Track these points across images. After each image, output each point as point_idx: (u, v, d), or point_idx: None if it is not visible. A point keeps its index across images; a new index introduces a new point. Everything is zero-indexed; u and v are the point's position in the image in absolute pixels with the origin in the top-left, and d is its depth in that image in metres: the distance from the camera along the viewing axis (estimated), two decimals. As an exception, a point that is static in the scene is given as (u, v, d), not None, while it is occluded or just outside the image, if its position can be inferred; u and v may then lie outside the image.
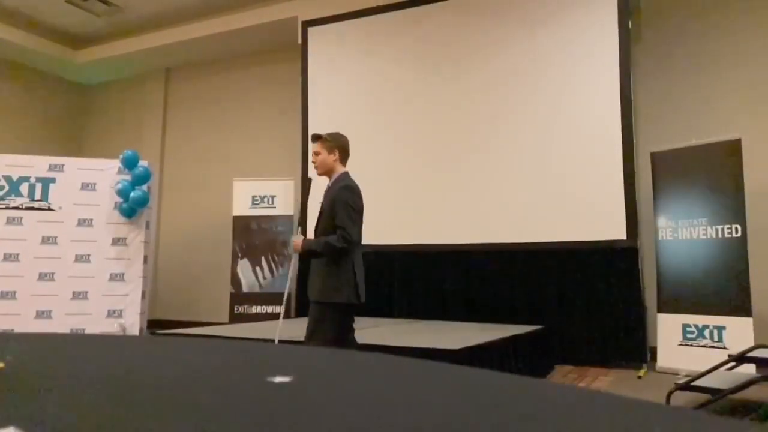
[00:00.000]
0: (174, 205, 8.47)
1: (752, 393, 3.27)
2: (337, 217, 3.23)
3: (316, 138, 3.41)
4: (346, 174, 3.44)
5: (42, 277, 5.89)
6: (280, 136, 7.67)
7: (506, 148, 5.92)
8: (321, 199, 3.41)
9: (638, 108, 5.71)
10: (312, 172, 3.56)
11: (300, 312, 6.61)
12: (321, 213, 3.32)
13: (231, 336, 4.06)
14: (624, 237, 5.30)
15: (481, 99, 6.10)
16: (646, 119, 5.76)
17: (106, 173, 6.20)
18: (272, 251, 6.82)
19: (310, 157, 3.46)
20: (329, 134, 3.41)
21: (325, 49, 7.00)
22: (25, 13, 7.76)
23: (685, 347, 4.77)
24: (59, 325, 5.77)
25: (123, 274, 6.09)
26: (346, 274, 3.23)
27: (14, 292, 5.82)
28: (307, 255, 3.32)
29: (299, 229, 3.54)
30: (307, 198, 3.64)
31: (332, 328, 3.14)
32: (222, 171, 7.97)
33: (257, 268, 6.79)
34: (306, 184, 3.74)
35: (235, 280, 6.76)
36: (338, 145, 3.40)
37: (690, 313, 4.78)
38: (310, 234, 3.38)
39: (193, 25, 7.84)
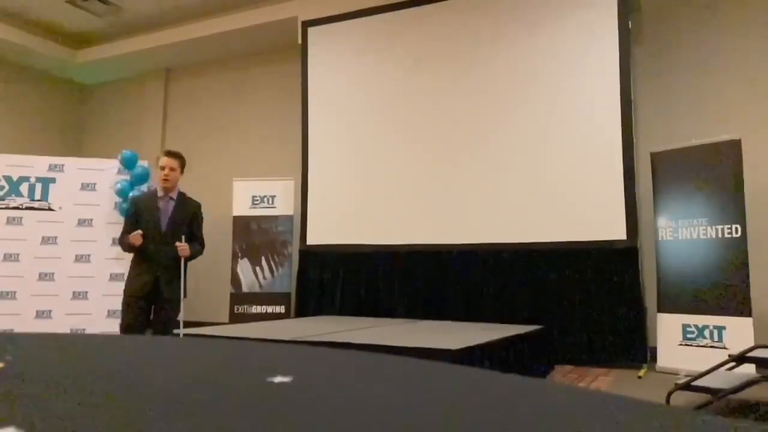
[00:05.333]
0: (174, 205, 8.46)
1: (752, 393, 3.27)
2: (199, 228, 4.09)
3: (177, 155, 4.01)
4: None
5: (42, 277, 5.90)
6: (280, 136, 7.67)
7: (506, 148, 5.93)
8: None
9: (638, 108, 5.71)
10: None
11: (299, 312, 6.61)
12: (174, 221, 3.94)
13: (231, 336, 4.06)
14: (624, 237, 5.30)
15: (481, 99, 6.10)
16: (646, 119, 5.76)
17: (106, 173, 6.21)
18: (272, 251, 6.82)
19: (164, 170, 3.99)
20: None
21: (325, 49, 7.00)
22: (25, 13, 7.76)
23: (685, 347, 4.77)
24: (59, 325, 5.77)
25: (123, 274, 6.08)
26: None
27: (14, 292, 5.82)
28: (188, 259, 4.01)
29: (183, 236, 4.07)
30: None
31: None
32: (222, 171, 7.96)
33: (257, 268, 6.79)
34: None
35: (235, 280, 6.76)
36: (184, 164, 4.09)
37: (690, 313, 4.79)
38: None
39: (193, 25, 7.84)
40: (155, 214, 3.90)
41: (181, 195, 4.05)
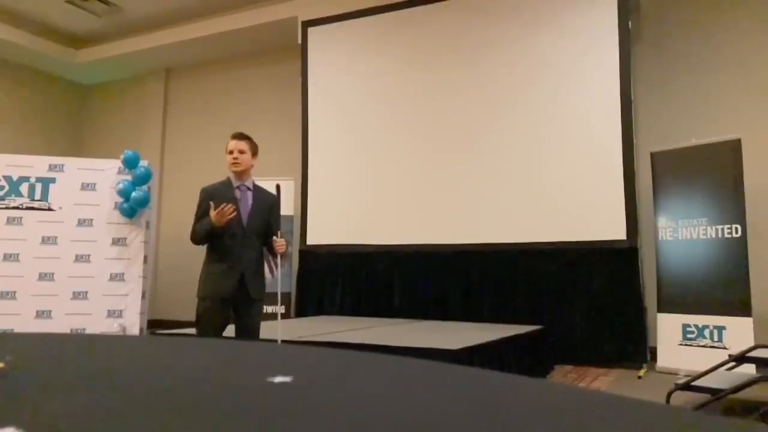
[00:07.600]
0: (174, 205, 8.47)
1: (752, 393, 3.27)
2: (277, 221, 3.54)
3: (245, 137, 3.54)
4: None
5: (42, 277, 5.89)
6: (280, 136, 7.66)
7: (506, 148, 5.93)
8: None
9: (638, 108, 5.71)
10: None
11: (299, 312, 6.61)
12: (255, 214, 3.46)
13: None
14: (624, 237, 5.30)
15: (482, 99, 6.10)
16: (646, 119, 5.76)
17: (106, 173, 6.20)
18: (272, 251, 6.81)
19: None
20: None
21: (325, 49, 7.00)
22: (25, 13, 7.76)
23: (685, 347, 4.77)
24: (59, 325, 5.76)
25: (123, 274, 6.09)
26: None
27: (14, 292, 5.82)
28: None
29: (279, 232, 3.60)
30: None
31: None
32: (222, 171, 7.95)
33: (257, 268, 6.78)
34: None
35: (235, 280, 6.75)
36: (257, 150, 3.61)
37: (690, 313, 4.78)
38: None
39: (193, 25, 7.84)
40: (234, 206, 3.34)
41: (256, 185, 3.57)
